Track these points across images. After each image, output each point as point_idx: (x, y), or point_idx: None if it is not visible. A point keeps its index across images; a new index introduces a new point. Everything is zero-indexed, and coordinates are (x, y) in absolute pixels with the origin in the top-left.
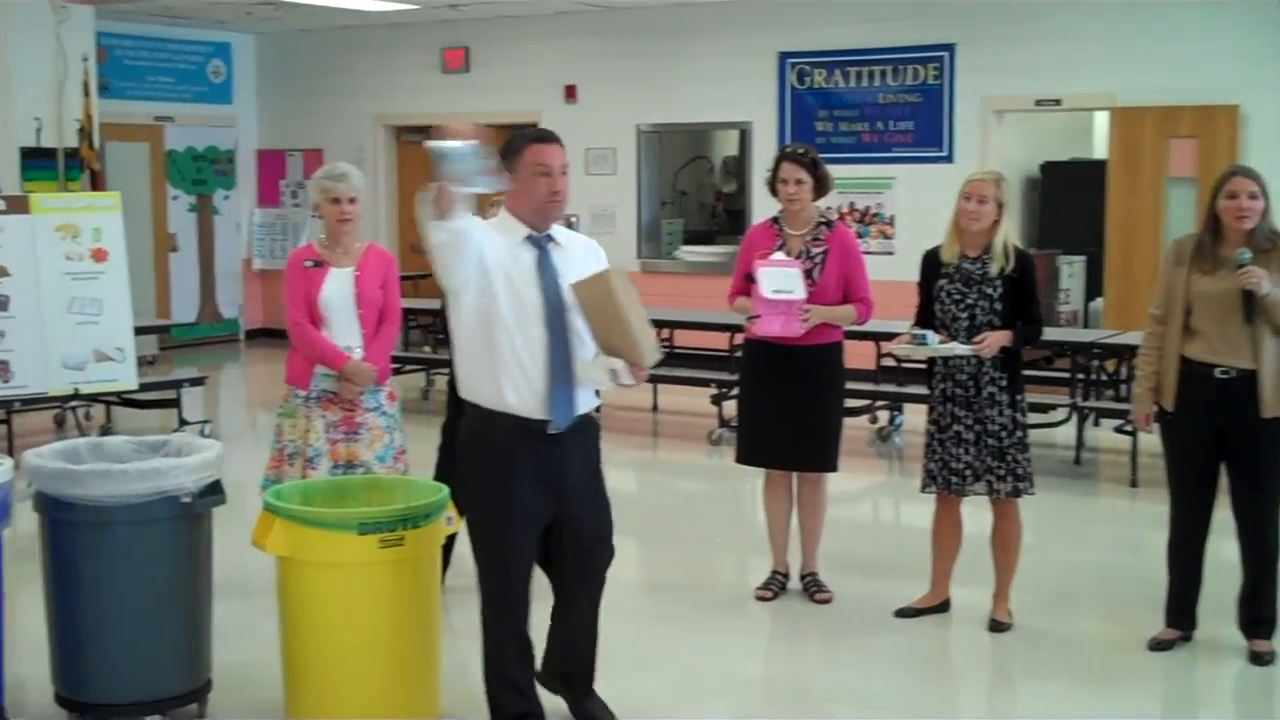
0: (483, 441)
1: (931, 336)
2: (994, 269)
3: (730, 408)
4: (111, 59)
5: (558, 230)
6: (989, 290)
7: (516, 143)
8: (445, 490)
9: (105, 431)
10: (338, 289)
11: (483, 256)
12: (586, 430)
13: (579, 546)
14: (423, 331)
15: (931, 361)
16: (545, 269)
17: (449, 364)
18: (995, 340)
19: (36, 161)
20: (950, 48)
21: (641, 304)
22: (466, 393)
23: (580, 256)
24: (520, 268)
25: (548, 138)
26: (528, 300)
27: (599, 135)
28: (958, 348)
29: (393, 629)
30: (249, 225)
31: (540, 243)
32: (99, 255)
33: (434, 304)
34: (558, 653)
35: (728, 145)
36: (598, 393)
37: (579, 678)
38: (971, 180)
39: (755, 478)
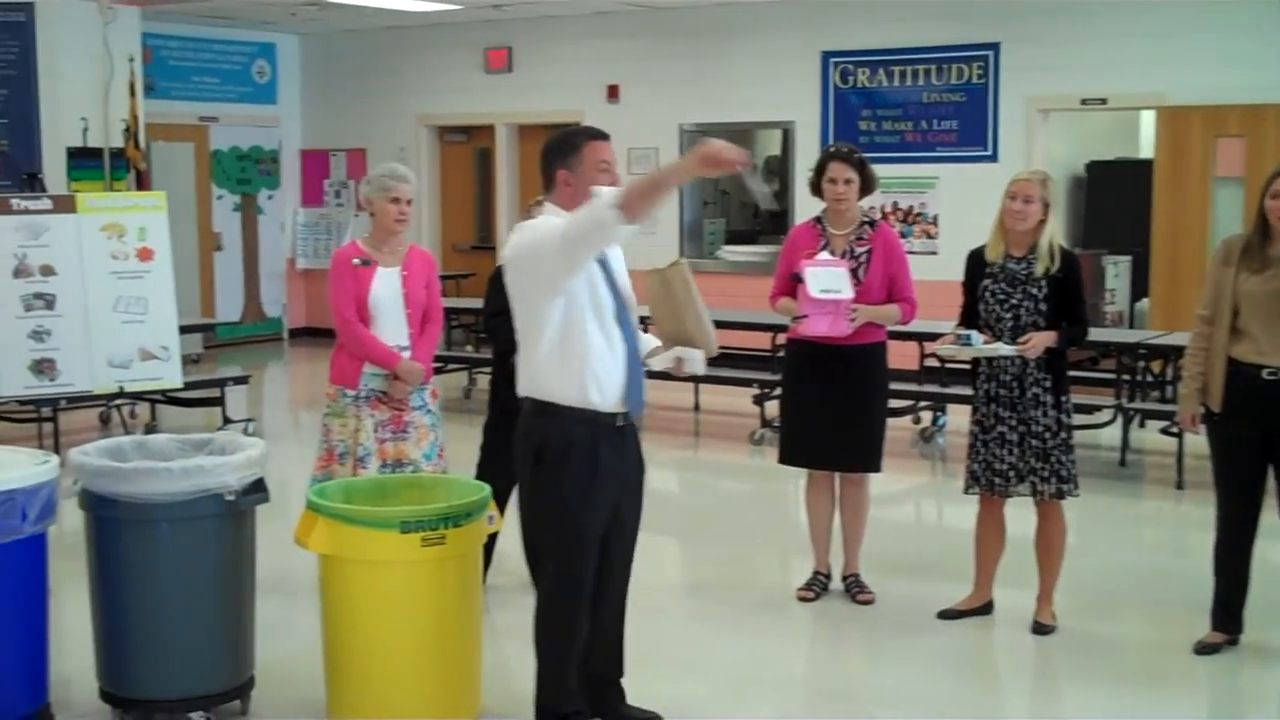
0: (563, 438)
1: (976, 336)
2: (1039, 269)
3: (772, 408)
4: (157, 59)
5: None
6: (1034, 290)
7: (574, 140)
8: (487, 489)
9: (150, 429)
10: (386, 288)
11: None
12: (635, 426)
13: (622, 538)
14: (464, 331)
15: (976, 362)
16: (608, 264)
17: (491, 364)
18: (1040, 341)
19: (83, 161)
20: (995, 46)
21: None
22: (543, 393)
23: (617, 252)
24: (591, 265)
25: (605, 135)
26: (602, 296)
27: (641, 135)
28: (1002, 348)
29: (434, 627)
30: (293, 225)
31: None
32: (144, 254)
33: (475, 303)
34: (590, 651)
35: (770, 145)
36: None
37: (611, 677)
38: (1017, 180)
39: (797, 478)
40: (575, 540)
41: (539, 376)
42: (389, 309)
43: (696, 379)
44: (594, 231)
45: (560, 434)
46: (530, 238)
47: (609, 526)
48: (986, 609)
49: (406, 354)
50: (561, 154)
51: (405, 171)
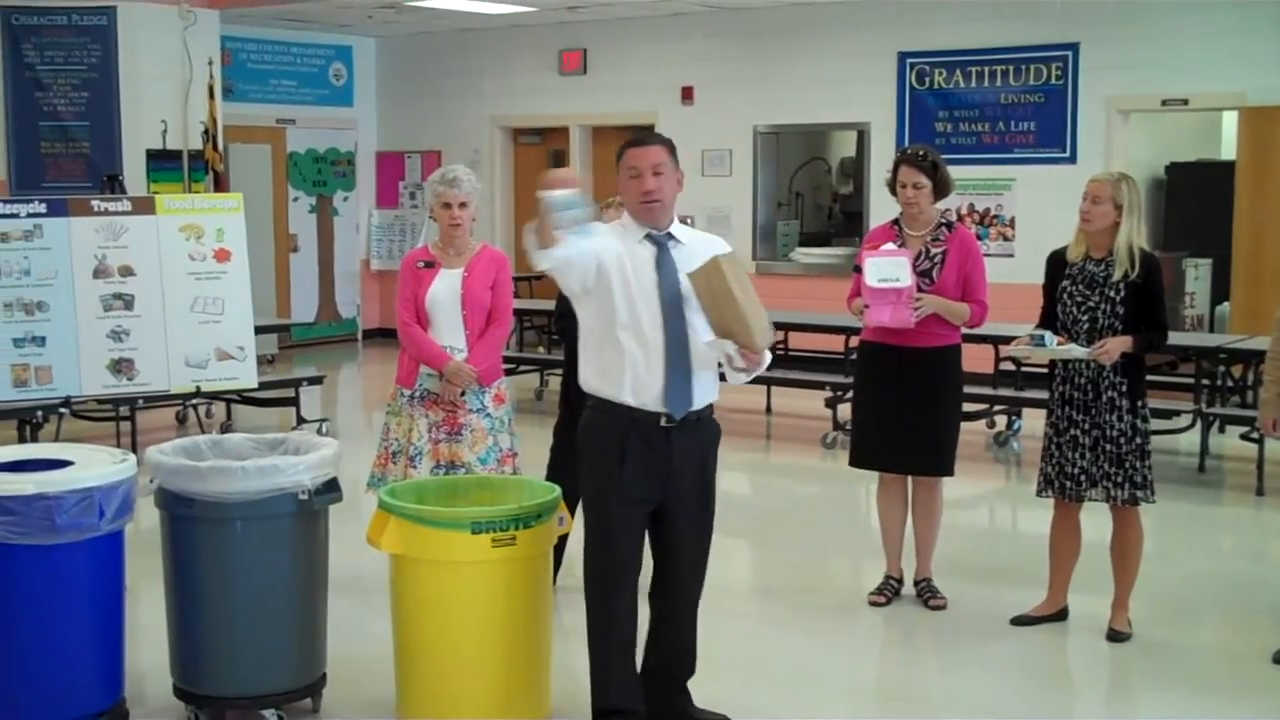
0: (597, 429)
1: (1050, 337)
2: (1117, 272)
3: (844, 410)
4: (236, 62)
5: (682, 230)
6: (1111, 293)
7: (620, 150)
8: (557, 491)
9: (225, 429)
10: (444, 289)
11: (601, 263)
12: (701, 429)
13: (677, 543)
14: (537, 332)
15: (1052, 364)
16: (663, 265)
17: (563, 364)
18: (1115, 347)
19: (162, 163)
20: (1074, 47)
21: (754, 289)
22: (586, 386)
23: (703, 253)
24: (638, 265)
25: (641, 141)
26: (646, 297)
27: (715, 136)
28: (1075, 350)
29: (504, 628)
30: (368, 226)
31: (659, 240)
32: (222, 255)
33: (548, 304)
34: (656, 650)
35: (845, 146)
36: (723, 378)
37: (676, 678)
38: (1090, 181)
39: (869, 481)
40: (604, 530)
41: (581, 370)
42: (446, 310)
43: (761, 377)
44: (537, 264)
45: (591, 424)
46: None
47: (662, 528)
48: (1061, 615)
49: (460, 356)
50: (617, 160)
51: (455, 174)
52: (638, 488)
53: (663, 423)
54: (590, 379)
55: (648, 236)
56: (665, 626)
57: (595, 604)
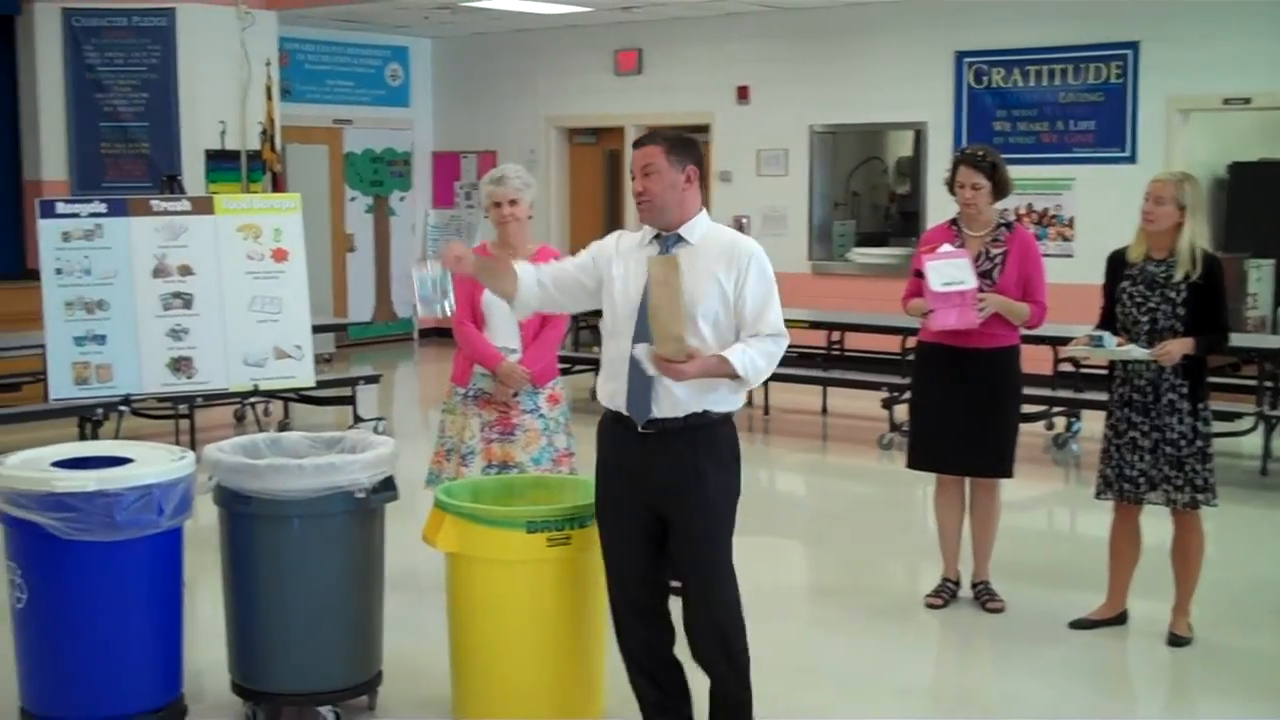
0: (598, 432)
1: (1109, 338)
2: (1179, 273)
3: (901, 411)
4: (293, 63)
5: (698, 229)
6: (1171, 294)
7: None
8: None
9: (283, 427)
10: None
11: (601, 272)
12: (683, 438)
13: (675, 546)
14: (593, 332)
15: (1111, 365)
16: (617, 277)
17: None
18: (1176, 348)
19: (221, 163)
20: (1134, 45)
21: (684, 304)
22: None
23: (713, 257)
24: (639, 268)
25: (639, 140)
26: (632, 300)
27: (771, 136)
28: (1135, 351)
29: (558, 627)
30: (424, 226)
31: (665, 242)
32: (279, 255)
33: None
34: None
35: (902, 146)
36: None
37: (711, 677)
38: (1152, 181)
39: (926, 483)
40: (599, 522)
41: None
42: (501, 311)
43: (818, 378)
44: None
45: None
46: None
47: (661, 530)
48: (1120, 619)
49: (515, 356)
50: None
51: (504, 173)
52: (615, 493)
53: (640, 429)
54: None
55: (656, 237)
56: (686, 629)
57: (613, 617)
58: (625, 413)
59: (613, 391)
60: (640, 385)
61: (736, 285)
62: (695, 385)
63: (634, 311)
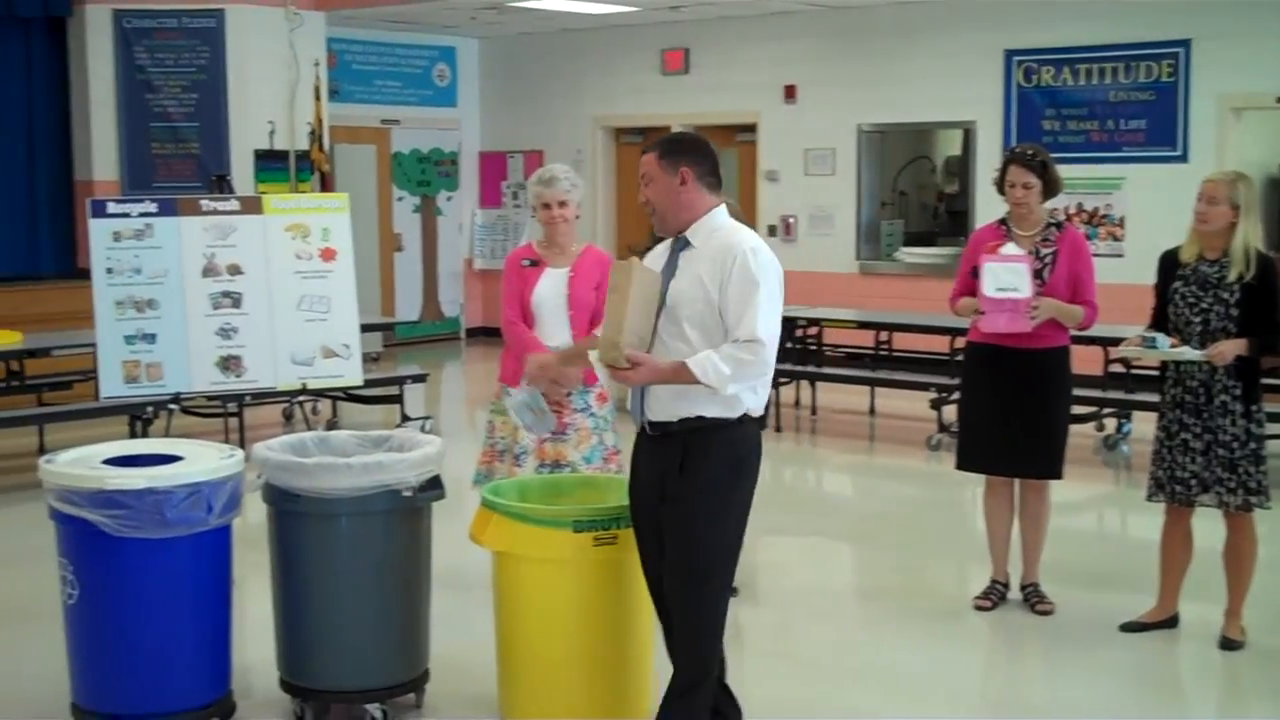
0: None
1: (1161, 339)
2: (1232, 274)
3: (950, 412)
4: (341, 63)
5: (703, 232)
6: (1225, 295)
7: None
8: None
9: (331, 426)
10: (550, 289)
11: None
12: (685, 436)
13: (667, 551)
14: None
15: (1163, 366)
16: (666, 271)
17: None
18: (1229, 349)
19: (269, 163)
20: (1186, 43)
21: (646, 310)
22: None
23: (706, 258)
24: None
25: (645, 148)
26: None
27: (819, 135)
28: (1188, 352)
29: (605, 626)
30: (471, 226)
31: (677, 245)
32: (327, 255)
33: None
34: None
35: (950, 145)
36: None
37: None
38: (1206, 180)
39: (975, 484)
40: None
41: None
42: (552, 310)
43: (866, 378)
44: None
45: None
46: (763, 266)
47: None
48: (1171, 622)
49: None
50: None
51: (553, 174)
52: (634, 494)
53: (648, 430)
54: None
55: (674, 240)
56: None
57: (720, 611)
58: (638, 417)
59: (630, 395)
60: (635, 389)
61: (720, 288)
62: (675, 390)
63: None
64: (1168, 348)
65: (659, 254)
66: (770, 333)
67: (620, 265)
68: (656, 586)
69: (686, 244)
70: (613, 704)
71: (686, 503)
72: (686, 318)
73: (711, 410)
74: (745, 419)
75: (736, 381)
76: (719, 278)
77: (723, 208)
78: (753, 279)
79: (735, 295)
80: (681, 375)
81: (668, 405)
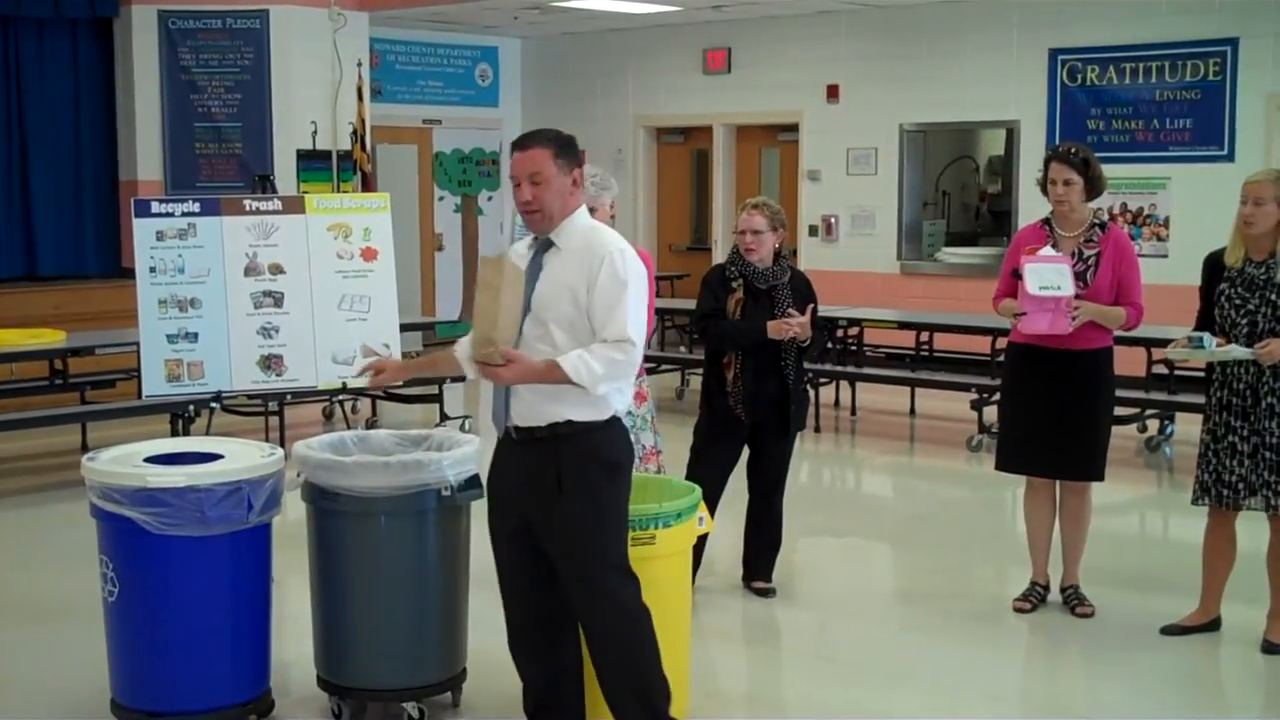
0: None
1: (1209, 339)
2: None
3: (990, 413)
4: (384, 64)
5: (566, 232)
6: (1272, 297)
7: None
8: (697, 490)
9: (370, 425)
10: None
11: None
12: (553, 441)
13: (563, 567)
14: (678, 331)
15: (1209, 368)
16: (530, 272)
17: (703, 364)
18: (1277, 348)
19: (312, 163)
20: (1233, 42)
21: (515, 308)
22: None
23: (573, 259)
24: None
25: (520, 142)
26: None
27: (861, 135)
28: (1236, 351)
29: None
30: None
31: (538, 247)
32: (368, 254)
33: (690, 304)
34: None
35: (994, 145)
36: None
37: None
38: (1249, 181)
39: (1015, 485)
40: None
41: None
42: None
43: (906, 378)
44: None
45: None
46: (628, 267)
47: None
48: (1214, 625)
49: None
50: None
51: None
52: (494, 504)
53: (513, 435)
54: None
55: (535, 240)
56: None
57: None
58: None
59: (493, 399)
60: (499, 392)
61: (588, 289)
62: (543, 392)
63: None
64: (1214, 348)
65: (519, 254)
66: (640, 332)
67: (490, 260)
68: (510, 604)
69: (550, 245)
70: None
71: (563, 512)
72: (553, 320)
73: (581, 413)
74: (614, 420)
75: (608, 381)
76: (586, 279)
77: (584, 209)
78: (620, 280)
79: (603, 295)
80: (554, 374)
81: (535, 408)
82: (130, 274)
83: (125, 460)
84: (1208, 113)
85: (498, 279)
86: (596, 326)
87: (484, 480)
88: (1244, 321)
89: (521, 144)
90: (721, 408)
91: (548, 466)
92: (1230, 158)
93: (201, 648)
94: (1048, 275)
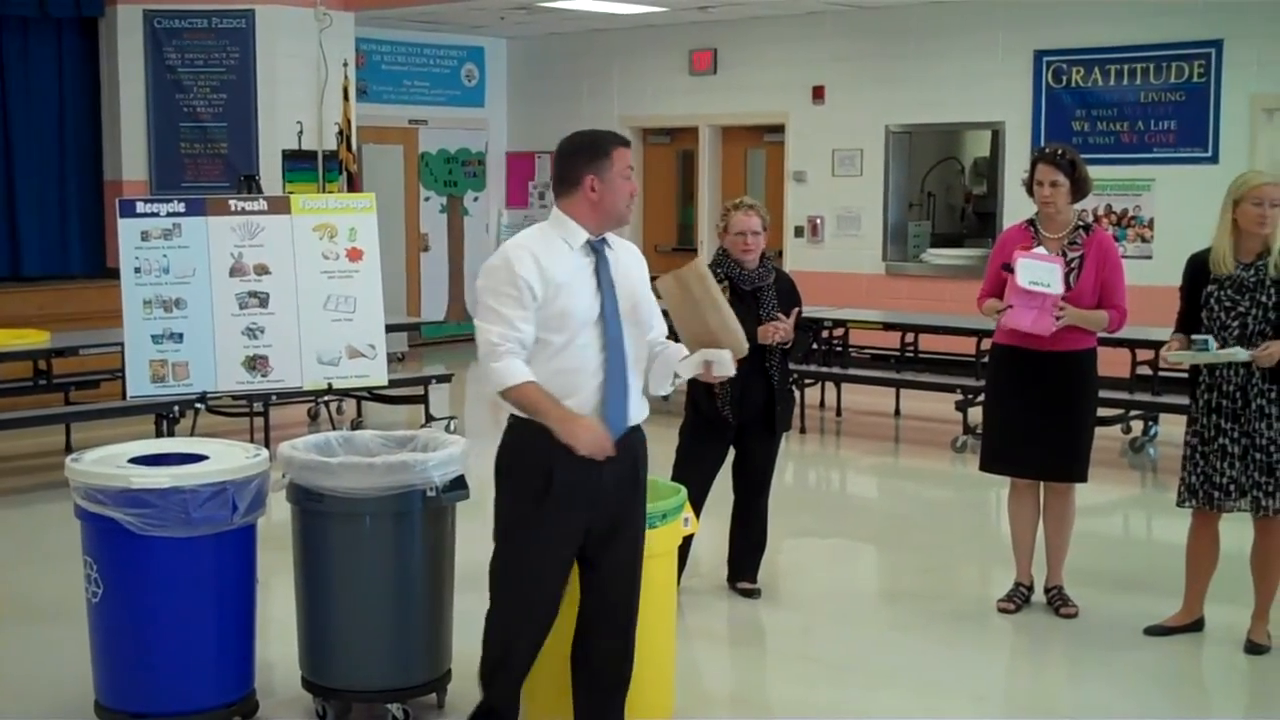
0: (520, 450)
1: (1212, 342)
2: (1271, 274)
3: (975, 414)
4: (370, 64)
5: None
6: (1263, 298)
7: (604, 145)
8: (683, 491)
9: (356, 425)
10: None
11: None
12: (636, 444)
13: (613, 569)
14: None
15: (1195, 371)
16: (601, 273)
17: None
18: (1277, 350)
19: (298, 163)
20: (1218, 44)
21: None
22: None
23: (623, 259)
24: (576, 273)
25: (627, 142)
26: (583, 307)
27: (846, 136)
28: (1240, 353)
29: None
30: (497, 226)
31: (597, 247)
32: (354, 255)
33: None
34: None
35: (979, 146)
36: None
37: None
38: (1258, 185)
39: (1000, 486)
40: (522, 563)
41: None
42: None
43: (891, 379)
44: (485, 371)
45: (512, 445)
46: (490, 265)
47: (590, 551)
48: (1197, 626)
49: None
50: (591, 158)
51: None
52: (565, 515)
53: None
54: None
55: (588, 243)
56: (597, 649)
57: (496, 633)
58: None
59: (576, 405)
60: (618, 391)
61: (642, 283)
62: (639, 389)
63: (608, 316)
64: (1217, 350)
65: (540, 248)
66: None
67: (695, 264)
68: (554, 600)
69: (606, 245)
70: (637, 702)
71: (644, 514)
72: (643, 317)
73: (647, 413)
74: (513, 420)
75: (489, 378)
76: (641, 274)
77: None
78: (479, 284)
79: (650, 293)
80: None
81: (641, 407)
82: (115, 274)
83: (109, 461)
84: (1192, 114)
85: (695, 289)
86: (651, 322)
87: (469, 480)
88: (1235, 323)
89: (628, 142)
90: (707, 409)
91: (640, 463)
92: (1215, 159)
93: (185, 649)
94: (1039, 272)
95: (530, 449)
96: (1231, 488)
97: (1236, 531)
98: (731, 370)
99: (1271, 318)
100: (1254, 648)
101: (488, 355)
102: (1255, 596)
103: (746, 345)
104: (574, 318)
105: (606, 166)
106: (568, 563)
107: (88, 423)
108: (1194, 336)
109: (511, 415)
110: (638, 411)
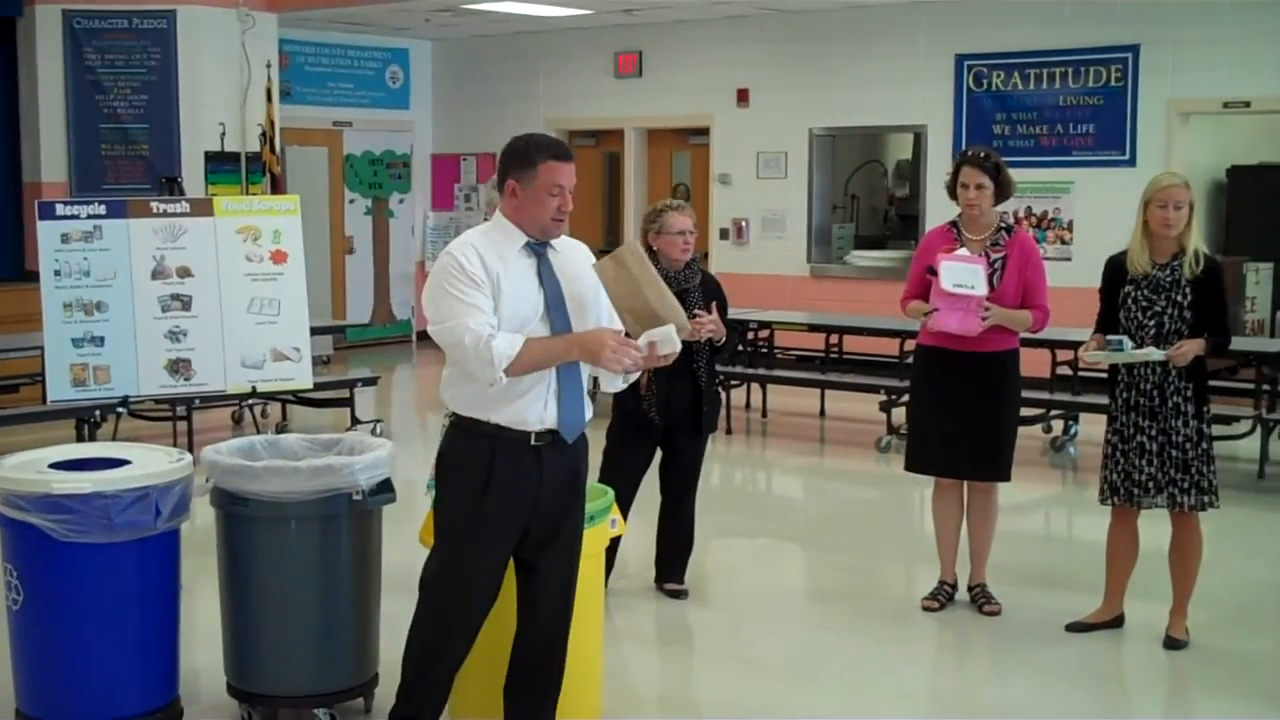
0: (459, 451)
1: (1126, 342)
2: (1184, 275)
3: (899, 414)
4: (293, 65)
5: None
6: (1178, 297)
7: (531, 155)
8: (610, 493)
9: (281, 429)
10: None
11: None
12: (578, 445)
13: (549, 568)
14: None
15: (1114, 370)
16: (544, 273)
17: None
18: (1190, 349)
19: (220, 165)
20: (1134, 49)
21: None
22: (455, 405)
23: (572, 255)
24: (518, 275)
25: (568, 156)
26: (526, 308)
27: (771, 139)
28: (1154, 353)
29: None
30: (423, 228)
31: (537, 249)
32: (278, 257)
33: None
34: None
35: (901, 149)
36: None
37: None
38: (1164, 186)
39: (924, 486)
40: (461, 562)
41: (449, 388)
42: None
43: (816, 380)
44: (468, 364)
45: (453, 446)
46: (439, 266)
47: (526, 549)
48: (1117, 622)
49: None
50: (517, 165)
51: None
52: (504, 515)
53: (533, 441)
54: (460, 396)
55: (528, 244)
56: (530, 652)
57: (428, 633)
58: (541, 427)
59: (523, 405)
60: (574, 392)
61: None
62: (583, 390)
63: (553, 315)
64: (1132, 350)
65: (517, 264)
66: None
67: (613, 259)
68: (489, 599)
69: (549, 246)
70: (565, 705)
71: (583, 514)
72: (593, 315)
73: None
74: (455, 419)
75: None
76: (588, 270)
77: None
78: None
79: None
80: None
81: (587, 407)
82: (34, 277)
83: (29, 466)
84: (1110, 118)
85: (634, 267)
86: (601, 320)
87: (396, 484)
88: (1151, 323)
89: (569, 155)
90: (634, 410)
91: (581, 467)
92: (1132, 162)
93: (108, 656)
94: (962, 274)
95: (471, 449)
96: (1150, 484)
97: (1155, 529)
98: (677, 345)
99: (1186, 317)
100: (1172, 643)
101: (474, 343)
102: (1173, 593)
103: (688, 322)
104: (518, 317)
105: (530, 177)
106: (504, 563)
107: (7, 428)
108: (1109, 337)
109: (453, 415)
110: (587, 411)
